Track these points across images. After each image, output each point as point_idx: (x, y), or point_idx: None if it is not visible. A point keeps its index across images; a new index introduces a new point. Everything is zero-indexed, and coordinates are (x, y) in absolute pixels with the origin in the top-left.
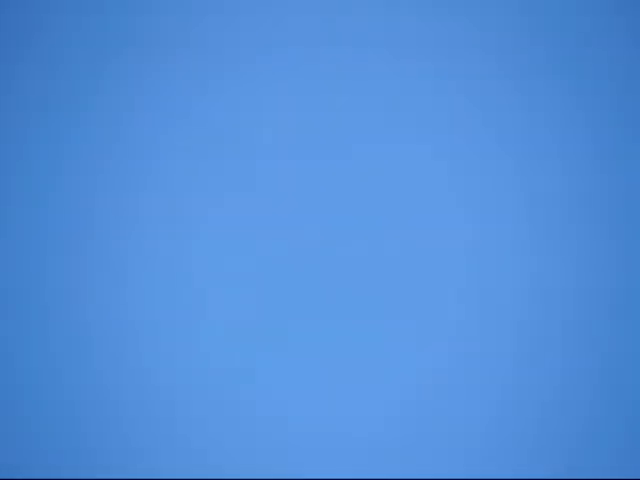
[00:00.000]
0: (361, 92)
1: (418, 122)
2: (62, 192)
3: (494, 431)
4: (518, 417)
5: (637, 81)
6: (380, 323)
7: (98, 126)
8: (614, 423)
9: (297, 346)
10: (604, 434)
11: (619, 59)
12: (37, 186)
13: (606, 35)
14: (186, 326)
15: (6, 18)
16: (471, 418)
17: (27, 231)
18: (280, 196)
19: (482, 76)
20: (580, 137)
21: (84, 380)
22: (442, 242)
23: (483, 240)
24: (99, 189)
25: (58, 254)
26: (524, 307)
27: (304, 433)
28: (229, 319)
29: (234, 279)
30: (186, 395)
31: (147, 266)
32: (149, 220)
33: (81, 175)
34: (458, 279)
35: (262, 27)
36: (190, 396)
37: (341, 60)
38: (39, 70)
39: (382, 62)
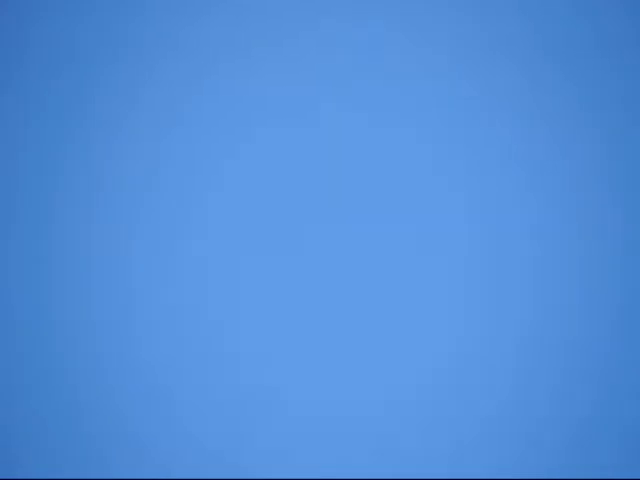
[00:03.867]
0: (358, 91)
1: (419, 122)
2: (64, 190)
3: (494, 431)
4: (518, 417)
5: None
6: (378, 322)
7: (96, 127)
8: (614, 424)
9: (296, 345)
10: (604, 434)
11: (621, 58)
12: (39, 185)
13: (611, 36)
14: (185, 320)
15: (5, 19)
16: (471, 418)
17: (29, 232)
18: (278, 193)
19: (487, 71)
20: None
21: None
22: (442, 239)
23: (483, 239)
24: (99, 184)
25: (60, 251)
26: (526, 307)
27: (302, 432)
28: (232, 312)
29: (236, 275)
30: (188, 391)
31: (143, 262)
32: (147, 220)
33: (83, 171)
34: (458, 277)
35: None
36: (192, 391)
37: (337, 60)
38: (36, 71)
39: (382, 62)
